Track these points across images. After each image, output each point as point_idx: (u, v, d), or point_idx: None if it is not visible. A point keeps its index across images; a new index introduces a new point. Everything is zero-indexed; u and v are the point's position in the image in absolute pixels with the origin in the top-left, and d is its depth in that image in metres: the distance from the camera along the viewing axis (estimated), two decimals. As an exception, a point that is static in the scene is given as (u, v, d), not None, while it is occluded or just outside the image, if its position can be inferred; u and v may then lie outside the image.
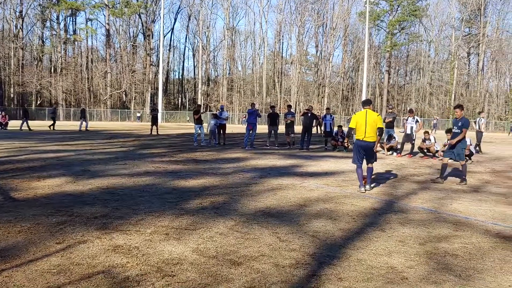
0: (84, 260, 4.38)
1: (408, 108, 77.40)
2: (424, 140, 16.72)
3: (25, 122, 29.81)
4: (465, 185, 10.24)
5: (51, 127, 31.83)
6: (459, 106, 10.88)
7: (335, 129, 20.10)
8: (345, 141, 9.21)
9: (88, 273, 4.03)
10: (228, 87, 79.76)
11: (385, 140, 18.17)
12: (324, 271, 4.26)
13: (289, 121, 19.82)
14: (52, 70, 68.95)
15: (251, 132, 19.00)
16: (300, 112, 26.78)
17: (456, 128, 10.59)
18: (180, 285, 3.82)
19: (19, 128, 29.69)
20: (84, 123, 30.86)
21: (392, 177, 11.17)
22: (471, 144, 15.33)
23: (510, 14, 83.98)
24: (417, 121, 17.09)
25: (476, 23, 74.65)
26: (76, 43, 73.32)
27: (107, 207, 6.69)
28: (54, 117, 33.55)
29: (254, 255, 4.67)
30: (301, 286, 3.89)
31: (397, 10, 77.20)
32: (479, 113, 21.06)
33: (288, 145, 19.97)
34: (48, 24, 69.99)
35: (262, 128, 25.64)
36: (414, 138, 16.89)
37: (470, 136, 16.12)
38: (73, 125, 33.39)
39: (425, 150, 16.68)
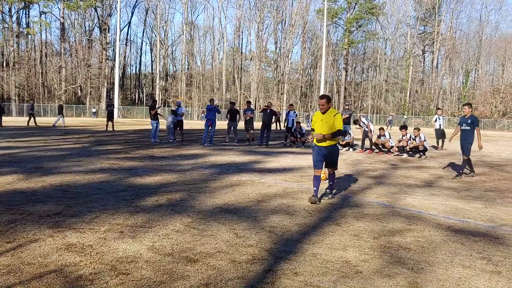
0: (36, 259, 4.25)
1: (363, 105, 79.01)
2: (379, 136, 17.07)
3: None
4: (459, 179, 10.71)
5: (29, 123, 31.31)
6: (468, 104, 11.32)
7: (294, 125, 20.27)
8: (309, 137, 8.26)
9: (39, 273, 3.91)
10: (187, 82, 79.06)
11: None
12: (280, 266, 4.29)
13: (248, 117, 19.84)
14: (4, 65, 66.36)
15: (210, 128, 18.91)
16: (260, 108, 26.90)
17: (465, 125, 11.03)
18: (134, 284, 3.76)
19: None
20: (61, 119, 30.32)
21: (348, 173, 11.36)
22: (425, 140, 15.76)
23: (463, 13, 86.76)
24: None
25: (431, 21, 76.79)
26: (29, 36, 70.91)
27: (60, 205, 6.51)
28: (32, 113, 32.58)
29: (210, 252, 4.65)
30: (257, 281, 3.90)
31: (354, 8, 78.47)
32: (437, 110, 21.64)
33: (248, 141, 19.99)
34: (-1, 16, 67.50)
35: (221, 124, 25.56)
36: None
37: (425, 133, 16.59)
38: (26, 121, 32.25)
39: (380, 146, 17.03)
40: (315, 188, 7.34)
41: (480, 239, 5.48)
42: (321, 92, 62.80)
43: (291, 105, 21.57)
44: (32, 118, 31.90)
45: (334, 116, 7.14)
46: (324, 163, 7.44)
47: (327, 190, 7.90)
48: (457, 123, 11.68)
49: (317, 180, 7.34)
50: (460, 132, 11.29)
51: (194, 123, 50.86)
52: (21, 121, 36.03)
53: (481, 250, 5.03)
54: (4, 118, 31.52)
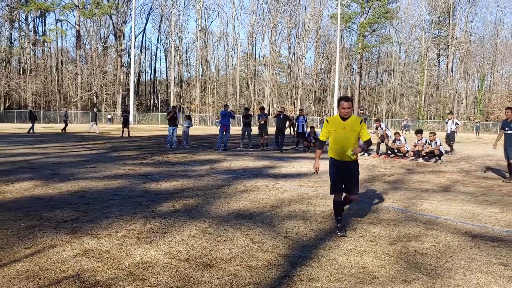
0: (54, 265, 4.30)
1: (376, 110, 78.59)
2: (394, 141, 16.97)
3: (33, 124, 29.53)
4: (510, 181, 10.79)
5: (63, 130, 31.82)
6: (510, 108, 11.20)
7: (308, 130, 20.23)
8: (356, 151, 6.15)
9: (57, 278, 3.95)
10: (201, 88, 79.40)
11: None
12: (296, 272, 4.28)
13: (262, 122, 19.87)
14: (21, 72, 67.32)
15: (224, 133, 18.98)
16: (274, 113, 27.04)
17: (508, 129, 10.95)
18: (151, 289, 3.79)
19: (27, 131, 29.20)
20: (94, 126, 30.77)
21: (363, 178, 11.30)
22: (440, 145, 15.63)
23: (478, 16, 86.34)
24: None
25: (445, 25, 76.23)
26: (45, 44, 71.87)
27: (77, 211, 6.58)
28: (66, 120, 33.13)
29: (226, 257, 4.66)
30: (273, 287, 3.90)
31: (368, 12, 78.22)
32: (449, 114, 21.47)
33: (262, 147, 20.00)
34: (16, 25, 68.36)
35: (235, 129, 25.62)
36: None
37: (440, 137, 16.46)
38: (43, 127, 32.66)
39: (396, 151, 16.92)
40: (338, 217, 5.85)
41: (498, 244, 5.42)
42: (335, 97, 62.43)
43: (301, 110, 21.57)
44: (65, 125, 32.53)
45: (360, 123, 5.70)
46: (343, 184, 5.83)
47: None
48: (500, 128, 11.57)
49: (338, 206, 5.87)
50: (504, 136, 11.22)
51: (208, 128, 51.03)
52: (39, 128, 36.37)
53: (499, 256, 4.97)
54: (22, 125, 31.97)
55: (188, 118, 20.72)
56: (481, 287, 4.06)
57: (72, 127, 32.21)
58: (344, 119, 5.70)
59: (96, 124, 32.03)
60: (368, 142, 5.90)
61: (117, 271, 4.19)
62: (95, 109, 38.14)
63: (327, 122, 5.90)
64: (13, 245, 4.85)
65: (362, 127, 5.71)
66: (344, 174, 5.74)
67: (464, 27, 77.60)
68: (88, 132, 30.69)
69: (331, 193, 5.85)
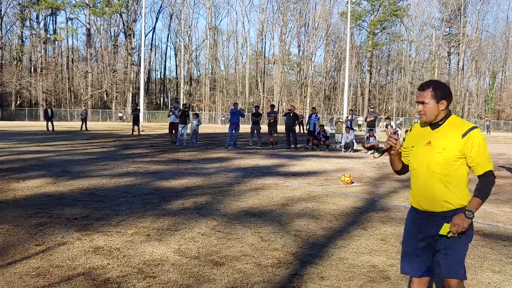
0: (64, 262, 4.32)
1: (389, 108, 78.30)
2: (404, 139, 16.85)
3: (49, 122, 29.61)
4: None
5: (83, 127, 32.29)
6: None
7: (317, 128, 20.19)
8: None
9: (68, 275, 3.97)
10: (210, 86, 79.50)
11: (365, 139, 18.36)
12: (306, 270, 4.27)
13: (272, 120, 19.85)
14: (32, 70, 67.87)
15: (234, 131, 19.00)
16: (283, 112, 27.10)
17: None
18: (161, 286, 3.79)
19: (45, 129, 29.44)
20: (135, 126, 30.68)
21: (373, 176, 11.25)
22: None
23: (489, 14, 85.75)
24: None
25: (456, 23, 75.67)
26: (56, 42, 72.34)
27: (87, 208, 6.61)
28: (85, 118, 33.47)
29: (236, 255, 4.65)
30: (283, 285, 3.89)
31: (378, 10, 77.84)
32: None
33: (271, 145, 19.98)
34: (27, 23, 68.82)
35: (244, 127, 25.62)
36: None
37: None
38: (57, 125, 32.68)
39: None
40: None
41: (510, 244, 5.37)
42: (345, 95, 61.91)
43: (314, 108, 21.56)
44: (84, 123, 32.79)
45: (465, 136, 2.75)
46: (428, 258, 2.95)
47: None
48: None
49: None
50: None
51: (217, 127, 51.09)
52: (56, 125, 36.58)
53: (511, 255, 4.92)
54: (32, 123, 32.15)
55: (197, 116, 20.77)
56: (492, 286, 4.02)
57: (76, 125, 32.28)
58: (433, 125, 2.94)
59: (138, 124, 31.36)
60: (487, 183, 2.89)
61: (127, 268, 4.20)
62: (138, 107, 37.48)
63: (410, 131, 3.28)
64: (24, 242, 4.89)
65: (472, 145, 2.76)
66: (425, 239, 2.92)
67: (475, 25, 77.00)
68: (139, 134, 30.02)
69: (402, 272, 3.08)
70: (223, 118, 64.35)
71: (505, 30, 76.83)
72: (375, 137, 17.84)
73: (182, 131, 19.76)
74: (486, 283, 4.10)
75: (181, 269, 4.21)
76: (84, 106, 49.00)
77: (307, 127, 21.33)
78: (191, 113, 20.39)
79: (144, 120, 59.76)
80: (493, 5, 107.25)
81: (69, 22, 74.24)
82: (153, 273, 4.10)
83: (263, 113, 27.67)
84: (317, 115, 20.39)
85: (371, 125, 18.35)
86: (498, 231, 5.96)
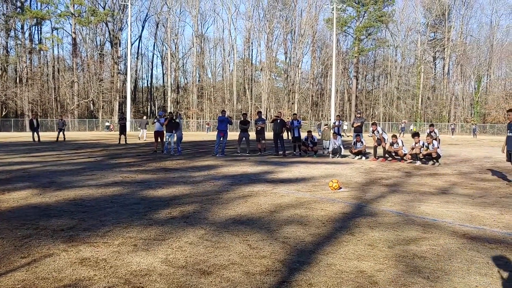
0: (50, 274, 4.26)
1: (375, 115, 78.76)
2: (392, 144, 16.97)
3: (35, 133, 29.23)
4: None
5: (60, 138, 31.41)
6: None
7: (305, 134, 20.23)
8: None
9: (54, 287, 3.92)
10: (198, 94, 79.51)
11: (352, 144, 18.47)
12: (294, 277, 4.25)
13: (259, 127, 19.87)
14: (18, 81, 67.23)
15: (222, 139, 18.97)
16: (271, 118, 27.19)
17: (510, 132, 10.85)
18: (148, 297, 3.75)
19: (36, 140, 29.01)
20: (143, 132, 30.25)
21: (361, 181, 11.28)
22: (438, 147, 15.64)
23: (473, 18, 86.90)
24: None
25: (441, 28, 76.61)
26: (41, 52, 71.84)
27: (74, 219, 6.54)
28: (61, 128, 32.69)
29: (224, 264, 4.63)
30: (271, 293, 3.87)
31: (363, 16, 78.55)
32: (430, 126, 21.12)
33: (259, 152, 19.99)
34: (12, 33, 68.31)
35: (232, 135, 25.60)
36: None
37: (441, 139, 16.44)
38: (43, 136, 32.40)
39: (393, 154, 16.92)
40: None
41: (497, 246, 5.40)
42: (333, 101, 62.21)
43: (295, 114, 21.67)
44: (62, 133, 31.94)
45: None
46: None
47: None
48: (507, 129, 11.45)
49: None
50: (508, 139, 11.07)
51: (205, 134, 51.02)
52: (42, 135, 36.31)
53: (498, 258, 4.95)
54: (18, 134, 31.83)
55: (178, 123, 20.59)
56: (480, 289, 4.04)
57: (69, 135, 31.98)
58: None
59: (145, 130, 31.12)
60: None
61: (114, 279, 4.15)
62: (144, 117, 37.44)
63: None
64: (9, 255, 4.82)
65: None
66: None
67: (460, 30, 78.04)
68: (145, 140, 29.74)
69: None
70: (207, 126, 64.38)
71: (489, 34, 77.95)
72: (362, 142, 17.93)
73: (169, 139, 19.68)
74: (474, 286, 4.11)
75: (169, 279, 4.17)
76: (60, 116, 48.67)
77: (291, 133, 21.24)
78: (179, 121, 20.20)
79: (131, 129, 59.53)
80: (477, 10, 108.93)
81: (55, 31, 73.84)
82: (140, 283, 4.06)
83: (251, 120, 27.66)
84: (299, 121, 20.44)
85: (358, 131, 18.46)
86: (484, 234, 6.00)
